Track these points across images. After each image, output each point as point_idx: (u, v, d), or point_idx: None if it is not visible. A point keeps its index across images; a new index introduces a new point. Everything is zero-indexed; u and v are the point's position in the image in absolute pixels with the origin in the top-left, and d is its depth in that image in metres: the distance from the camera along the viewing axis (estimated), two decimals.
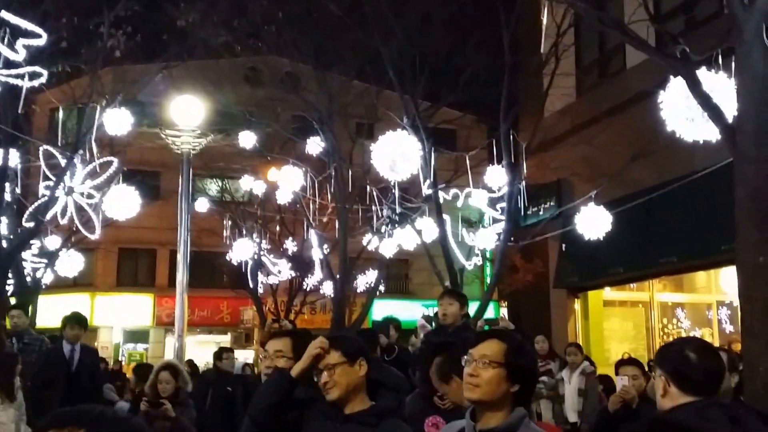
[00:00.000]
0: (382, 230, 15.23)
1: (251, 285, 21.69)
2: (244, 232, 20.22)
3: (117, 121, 11.14)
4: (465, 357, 2.99)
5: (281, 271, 21.42)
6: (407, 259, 26.96)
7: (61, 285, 28.39)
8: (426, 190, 12.08)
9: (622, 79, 14.45)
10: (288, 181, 13.90)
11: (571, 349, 10.12)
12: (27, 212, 11.38)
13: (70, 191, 11.16)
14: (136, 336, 30.07)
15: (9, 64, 8.34)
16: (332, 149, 15.59)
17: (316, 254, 17.93)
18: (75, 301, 29.22)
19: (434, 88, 15.12)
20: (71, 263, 17.03)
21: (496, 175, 12.68)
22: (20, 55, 8.17)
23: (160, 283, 29.48)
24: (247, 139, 15.26)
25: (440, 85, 15.50)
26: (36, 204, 11.45)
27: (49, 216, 11.53)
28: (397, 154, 9.57)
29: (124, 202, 12.27)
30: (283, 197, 15.07)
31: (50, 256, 16.67)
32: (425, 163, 11.61)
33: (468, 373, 2.86)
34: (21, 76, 8.36)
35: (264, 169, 16.91)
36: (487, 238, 13.65)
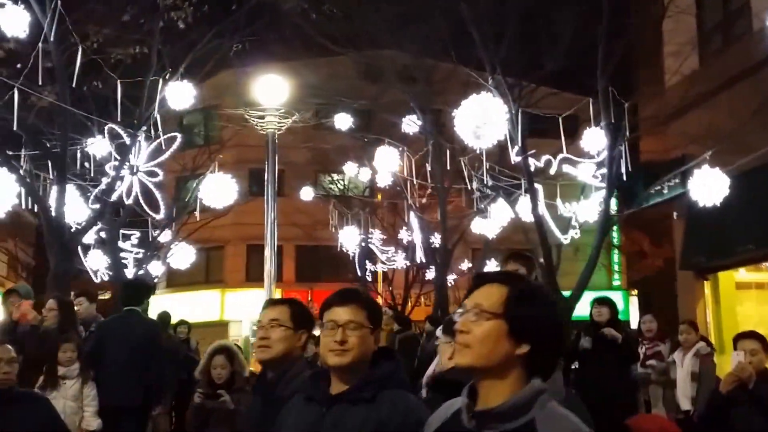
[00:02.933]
0: (481, 207, 14.46)
1: (359, 274, 21.47)
2: (350, 220, 19.98)
3: (179, 95, 10.92)
4: (458, 309, 2.26)
5: (394, 260, 21.04)
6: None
7: (194, 281, 29.57)
8: (515, 158, 11.13)
9: (749, 41, 13.16)
10: (385, 162, 13.41)
11: (684, 327, 8.88)
12: (93, 194, 11.33)
13: (135, 170, 11.09)
14: None
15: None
16: (430, 128, 15.00)
17: (417, 237, 17.37)
18: (206, 296, 30.30)
19: (525, 57, 13.87)
20: (183, 257, 17.25)
21: (595, 138, 11.45)
22: None
23: (288, 278, 30.06)
24: (343, 121, 14.93)
25: (532, 52, 14.26)
26: (102, 185, 11.40)
27: (114, 196, 11.48)
28: (480, 117, 8.86)
29: (220, 190, 12.33)
30: (383, 180, 14.58)
31: (155, 250, 16.83)
32: (512, 126, 10.66)
33: (458, 329, 2.08)
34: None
35: (368, 155, 16.62)
36: (589, 210, 12.46)
